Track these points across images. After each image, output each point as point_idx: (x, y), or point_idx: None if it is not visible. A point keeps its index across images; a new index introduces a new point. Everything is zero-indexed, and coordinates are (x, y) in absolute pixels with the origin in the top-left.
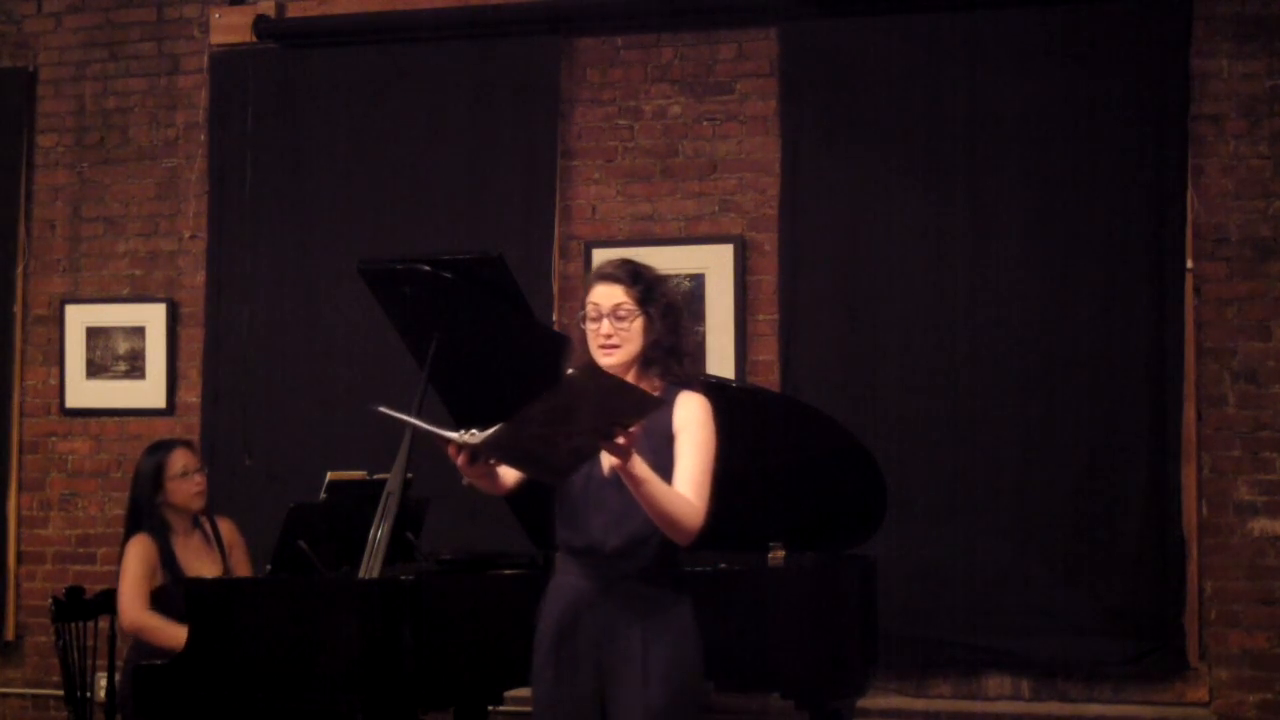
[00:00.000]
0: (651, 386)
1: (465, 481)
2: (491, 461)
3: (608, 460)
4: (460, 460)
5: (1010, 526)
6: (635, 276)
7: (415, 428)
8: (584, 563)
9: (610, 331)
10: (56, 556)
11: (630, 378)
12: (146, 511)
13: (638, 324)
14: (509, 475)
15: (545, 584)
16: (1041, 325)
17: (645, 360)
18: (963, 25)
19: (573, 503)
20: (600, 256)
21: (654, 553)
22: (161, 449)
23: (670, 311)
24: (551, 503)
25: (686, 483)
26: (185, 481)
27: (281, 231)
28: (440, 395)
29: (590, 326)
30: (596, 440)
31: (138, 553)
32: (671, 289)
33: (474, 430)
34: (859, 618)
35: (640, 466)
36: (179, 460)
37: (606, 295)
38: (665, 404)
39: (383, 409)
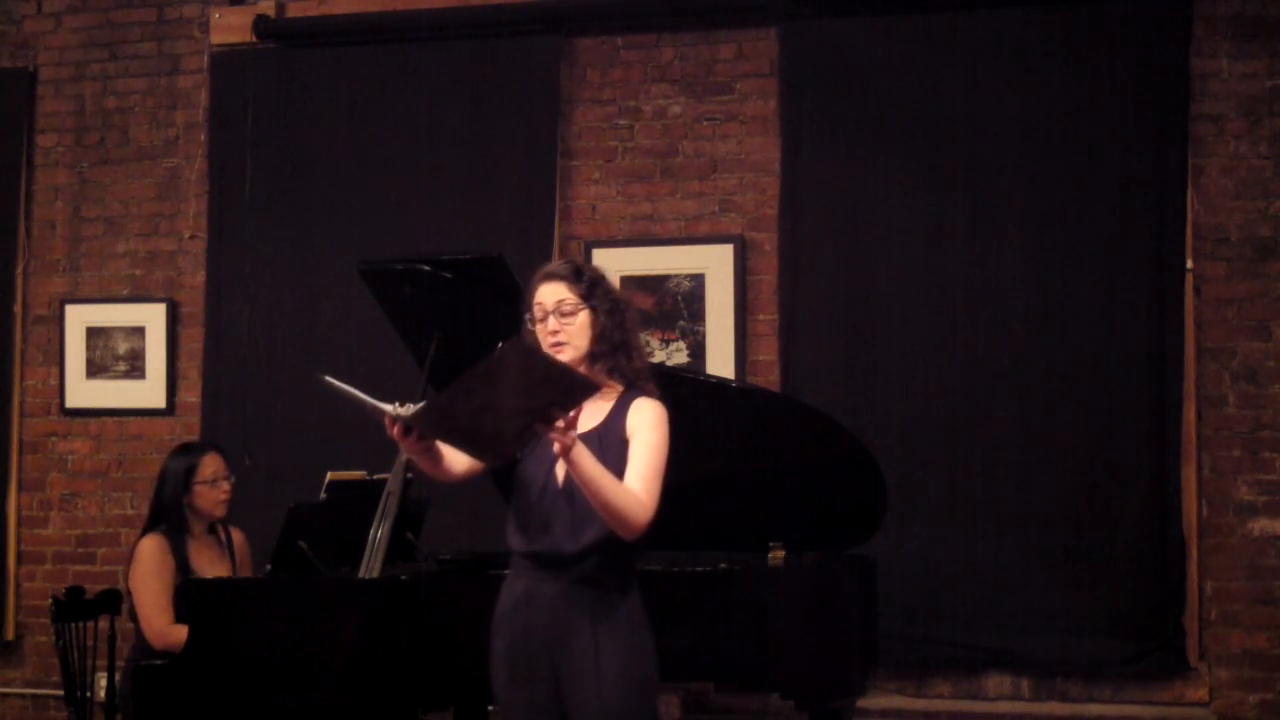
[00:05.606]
0: (606, 386)
1: (403, 457)
2: (427, 437)
3: (562, 470)
4: (395, 433)
5: (1010, 526)
6: (577, 273)
7: (353, 399)
8: (536, 566)
9: (556, 328)
10: (56, 556)
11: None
12: (169, 510)
13: (583, 318)
14: (457, 462)
15: None
16: (1041, 325)
17: (594, 357)
18: (963, 25)
19: (526, 511)
20: (600, 256)
21: (606, 556)
22: (194, 451)
23: (616, 307)
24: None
25: (637, 479)
26: (214, 488)
27: (281, 231)
28: None
29: (538, 328)
30: (533, 422)
31: (151, 557)
32: (615, 287)
33: (409, 404)
34: (859, 618)
35: (583, 454)
36: (210, 465)
37: (550, 293)
38: (621, 406)
39: (327, 379)
